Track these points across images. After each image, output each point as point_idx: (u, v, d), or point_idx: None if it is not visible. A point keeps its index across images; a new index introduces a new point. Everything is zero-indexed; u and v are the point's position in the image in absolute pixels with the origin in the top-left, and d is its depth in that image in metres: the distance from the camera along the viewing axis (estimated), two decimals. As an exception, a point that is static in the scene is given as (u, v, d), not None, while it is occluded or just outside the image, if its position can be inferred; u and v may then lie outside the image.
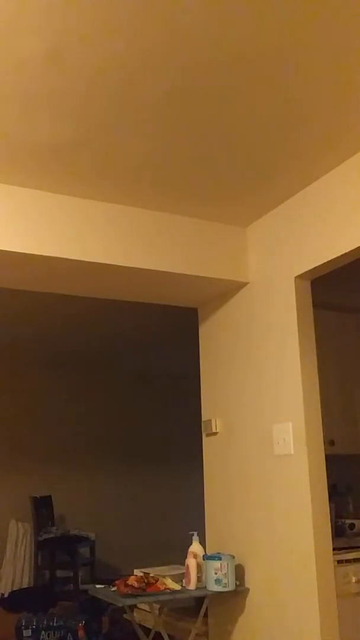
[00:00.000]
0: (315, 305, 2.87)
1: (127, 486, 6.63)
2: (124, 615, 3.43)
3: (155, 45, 1.87)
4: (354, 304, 3.55)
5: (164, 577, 2.89)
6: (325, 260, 2.63)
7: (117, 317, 4.80)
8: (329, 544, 2.59)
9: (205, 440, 3.38)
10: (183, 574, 2.95)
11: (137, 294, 3.29)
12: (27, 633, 3.89)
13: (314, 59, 1.95)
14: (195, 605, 3.24)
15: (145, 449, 6.81)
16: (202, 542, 3.05)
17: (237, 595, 2.94)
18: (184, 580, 2.92)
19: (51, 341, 5.66)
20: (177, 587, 2.84)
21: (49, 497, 5.88)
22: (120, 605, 2.75)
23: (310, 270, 2.74)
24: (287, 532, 2.69)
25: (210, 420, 3.29)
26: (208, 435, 3.34)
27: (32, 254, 2.67)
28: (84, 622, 3.89)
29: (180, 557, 3.06)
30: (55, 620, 3.94)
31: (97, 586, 2.97)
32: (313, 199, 2.74)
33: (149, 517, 6.58)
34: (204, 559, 2.90)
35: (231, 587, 2.82)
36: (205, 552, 3.00)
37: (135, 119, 2.24)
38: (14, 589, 5.46)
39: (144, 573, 2.96)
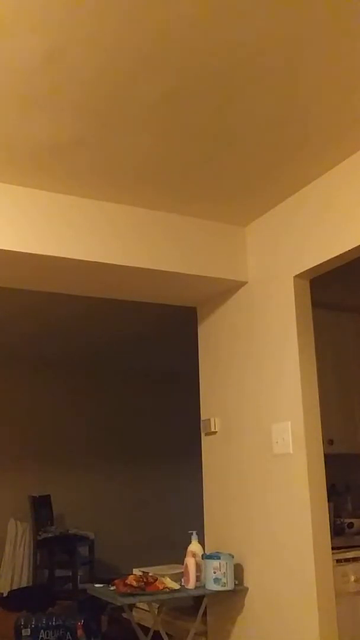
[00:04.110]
0: (314, 304, 2.87)
1: (126, 485, 6.63)
2: (123, 615, 3.43)
3: (154, 44, 1.87)
4: (353, 304, 3.55)
5: (162, 576, 2.89)
6: (325, 260, 2.63)
7: (116, 316, 4.79)
8: (327, 543, 2.60)
9: (204, 439, 3.38)
10: (182, 573, 2.95)
11: (136, 293, 3.29)
12: (25, 632, 3.89)
13: (312, 59, 1.95)
14: (194, 605, 3.24)
15: (144, 448, 6.81)
16: (201, 541, 3.05)
17: (236, 594, 2.94)
18: (182, 580, 2.92)
19: (50, 340, 5.65)
20: (176, 586, 2.84)
21: (48, 496, 5.88)
22: (119, 604, 2.75)
23: (309, 270, 2.74)
24: (286, 531, 2.69)
25: (209, 419, 3.29)
26: (207, 434, 3.34)
27: (31, 253, 2.67)
28: (82, 621, 3.89)
29: (179, 556, 3.06)
30: (54, 620, 3.94)
31: (96, 585, 2.97)
32: (312, 198, 2.74)
33: (148, 516, 6.58)
34: (203, 558, 2.90)
35: (230, 587, 2.83)
36: (204, 551, 3.00)
37: (134, 118, 2.24)
38: (13, 588, 5.46)
39: (143, 572, 2.96)
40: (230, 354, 3.20)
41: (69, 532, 5.72)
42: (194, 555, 2.92)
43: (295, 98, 2.15)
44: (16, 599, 5.02)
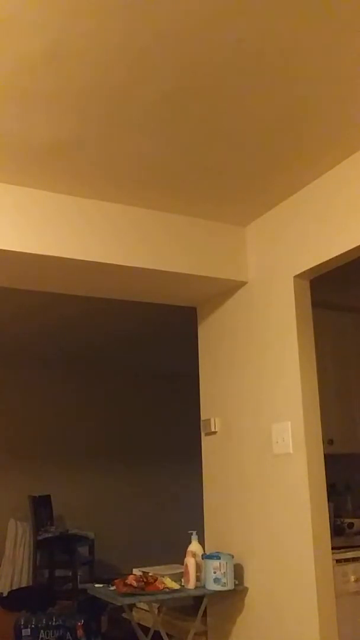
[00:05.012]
0: (314, 304, 2.87)
1: (126, 485, 6.63)
2: (123, 615, 3.43)
3: (155, 44, 1.87)
4: (352, 303, 3.55)
5: (162, 576, 2.89)
6: (325, 260, 2.63)
7: (117, 316, 4.79)
8: (327, 543, 2.60)
9: (204, 439, 3.38)
10: (182, 573, 2.95)
11: (136, 293, 3.29)
12: (26, 632, 3.89)
13: (313, 59, 1.95)
14: (194, 605, 3.24)
15: (145, 448, 6.81)
16: (201, 541, 3.05)
17: (236, 594, 2.94)
18: (182, 580, 2.92)
19: (50, 340, 5.65)
20: (176, 586, 2.85)
21: (48, 496, 5.88)
22: (119, 604, 2.75)
23: (309, 270, 2.74)
24: (286, 531, 2.69)
25: (209, 419, 3.29)
26: (207, 434, 3.34)
27: (32, 253, 2.67)
28: (82, 621, 3.90)
29: (179, 556, 3.06)
30: (54, 620, 3.94)
31: (96, 585, 2.97)
32: (312, 198, 2.74)
33: (148, 516, 6.58)
34: (203, 558, 2.90)
35: (230, 586, 2.83)
36: (204, 551, 3.00)
37: (134, 118, 2.24)
38: (13, 588, 5.46)
39: (143, 572, 2.96)
40: (230, 353, 3.20)
41: (69, 532, 5.71)
42: (194, 555, 2.92)
43: (295, 98, 2.15)
44: (16, 599, 5.02)
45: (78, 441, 6.49)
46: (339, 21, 1.80)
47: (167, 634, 3.05)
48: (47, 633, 3.89)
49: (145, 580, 2.77)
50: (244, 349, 3.10)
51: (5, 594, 5.36)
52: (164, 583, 2.82)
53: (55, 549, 5.51)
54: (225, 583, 2.81)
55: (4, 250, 2.63)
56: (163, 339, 5.54)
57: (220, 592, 2.83)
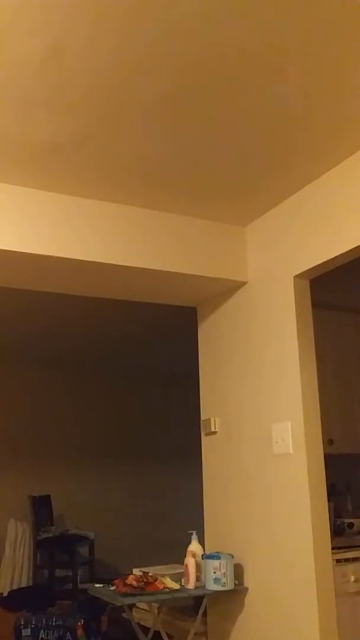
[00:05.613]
0: (314, 304, 2.87)
1: (126, 485, 6.63)
2: (123, 615, 3.43)
3: (155, 44, 1.87)
4: (352, 304, 3.55)
5: (163, 576, 2.89)
6: (325, 260, 2.63)
7: (117, 316, 4.79)
8: (327, 543, 2.60)
9: (204, 439, 3.38)
10: (182, 573, 2.95)
11: (136, 293, 3.29)
12: (26, 632, 3.89)
13: (313, 59, 1.95)
14: (194, 605, 3.24)
15: (145, 448, 6.81)
16: (201, 542, 3.05)
17: (236, 594, 2.94)
18: (183, 580, 2.92)
19: (49, 340, 5.65)
20: (176, 586, 2.85)
21: (48, 496, 5.88)
22: (119, 604, 2.75)
23: (309, 270, 2.74)
24: (286, 531, 2.69)
25: (209, 419, 3.29)
26: (207, 434, 3.34)
27: (32, 254, 2.67)
28: (82, 621, 3.89)
29: (179, 556, 3.06)
30: (54, 620, 3.94)
31: (96, 585, 2.97)
32: (312, 198, 2.74)
33: (148, 516, 6.58)
34: (203, 558, 2.90)
35: (230, 587, 2.83)
36: (204, 551, 3.00)
37: (134, 118, 2.24)
38: (13, 588, 5.46)
39: (143, 572, 2.96)
40: (230, 354, 3.20)
41: (69, 532, 5.72)
42: (194, 555, 2.92)
43: (296, 98, 2.15)
44: (16, 599, 5.02)
45: (78, 441, 6.49)
46: (339, 21, 1.80)
47: (167, 634, 3.05)
48: (47, 633, 3.88)
49: (145, 580, 2.78)
50: (244, 348, 3.10)
51: (5, 594, 5.36)
52: (164, 583, 2.82)
53: (55, 549, 5.52)
54: (225, 583, 2.81)
55: (4, 251, 2.63)
56: (163, 340, 5.54)
57: (220, 592, 2.83)
